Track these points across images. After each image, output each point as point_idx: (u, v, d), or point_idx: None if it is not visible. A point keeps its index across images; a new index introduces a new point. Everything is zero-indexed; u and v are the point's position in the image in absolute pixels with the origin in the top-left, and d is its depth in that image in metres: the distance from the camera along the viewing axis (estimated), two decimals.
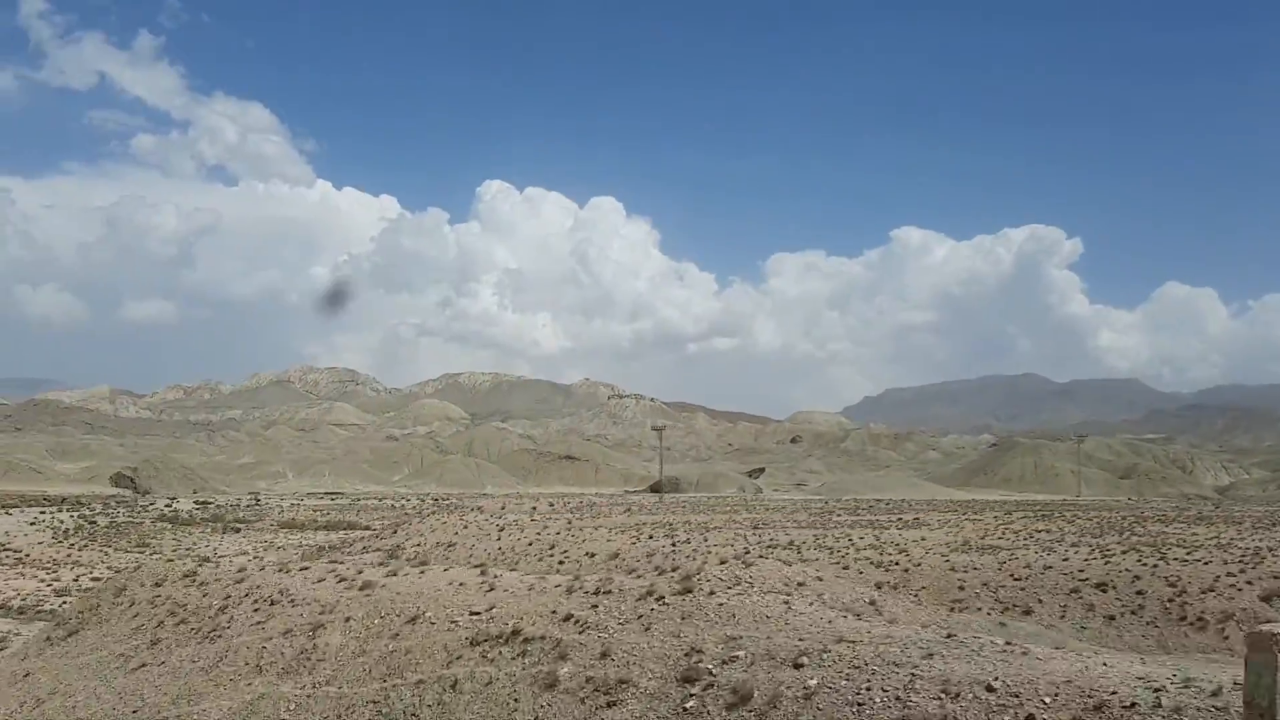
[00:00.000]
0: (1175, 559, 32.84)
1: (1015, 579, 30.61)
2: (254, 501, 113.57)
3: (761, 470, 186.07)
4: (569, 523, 53.43)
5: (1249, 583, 29.01)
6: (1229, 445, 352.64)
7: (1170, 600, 28.22)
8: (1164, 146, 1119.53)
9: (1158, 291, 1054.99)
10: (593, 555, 37.57)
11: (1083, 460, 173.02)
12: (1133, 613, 27.94)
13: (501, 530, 47.21)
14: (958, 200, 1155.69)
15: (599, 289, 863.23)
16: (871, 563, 33.61)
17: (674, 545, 38.85)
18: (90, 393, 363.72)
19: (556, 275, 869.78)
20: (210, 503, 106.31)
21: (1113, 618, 27.79)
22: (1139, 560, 32.57)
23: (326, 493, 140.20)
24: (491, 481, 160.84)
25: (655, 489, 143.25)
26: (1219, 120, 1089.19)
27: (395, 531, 52.51)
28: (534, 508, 75.67)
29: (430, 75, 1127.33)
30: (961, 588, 30.13)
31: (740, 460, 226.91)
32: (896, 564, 33.18)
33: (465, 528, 48.59)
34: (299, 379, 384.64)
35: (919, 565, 32.75)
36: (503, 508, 72.61)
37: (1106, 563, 32.14)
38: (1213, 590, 28.58)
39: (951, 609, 27.70)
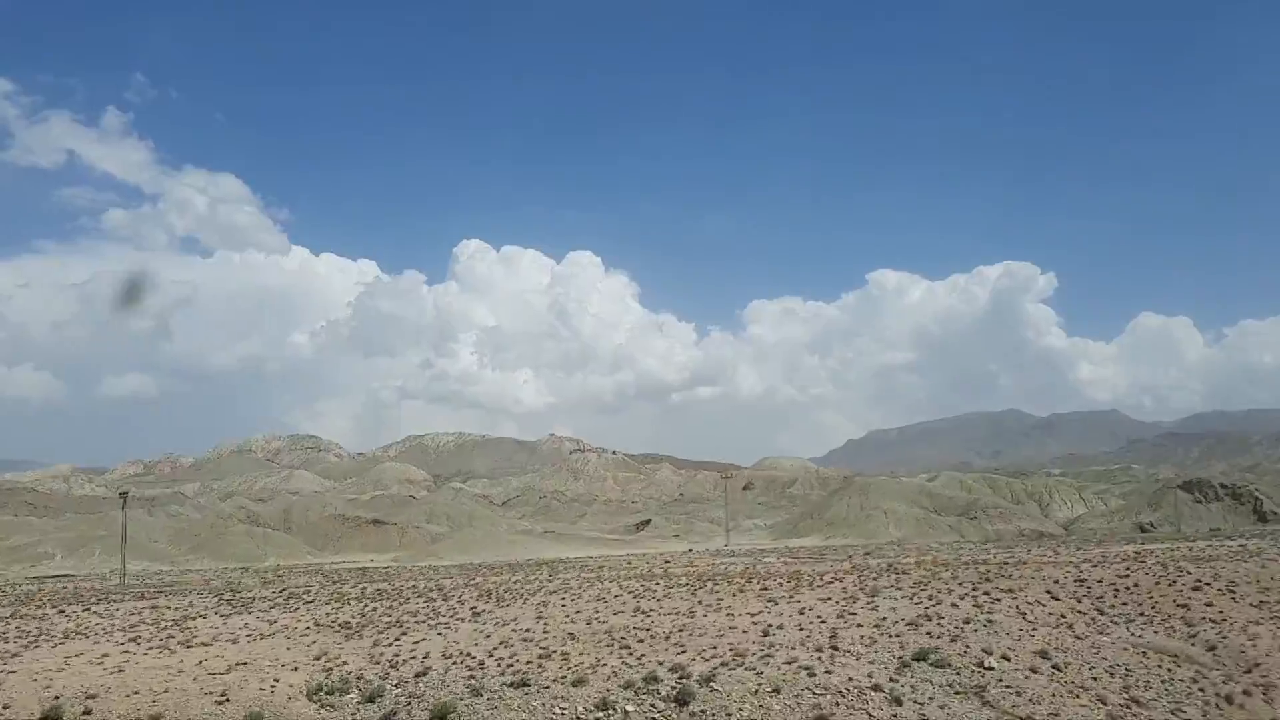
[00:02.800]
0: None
1: None
2: None
3: (647, 522, 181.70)
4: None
5: None
6: (1200, 471, 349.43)
7: None
8: (1132, 180, 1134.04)
9: (1133, 322, 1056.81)
10: None
11: (923, 497, 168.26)
12: None
13: None
14: (932, 241, 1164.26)
15: (579, 343, 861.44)
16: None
17: None
18: (48, 472, 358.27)
19: (536, 331, 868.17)
20: None
21: None
22: None
23: (54, 575, 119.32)
24: (277, 552, 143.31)
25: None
26: (1186, 152, 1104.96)
27: None
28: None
29: (404, 138, 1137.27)
30: None
31: (680, 509, 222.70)
32: None
33: None
34: (261, 448, 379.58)
35: None
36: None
37: None
38: None
39: None
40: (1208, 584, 39.77)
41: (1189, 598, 37.92)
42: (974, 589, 39.72)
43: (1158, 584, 40.16)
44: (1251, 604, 37.27)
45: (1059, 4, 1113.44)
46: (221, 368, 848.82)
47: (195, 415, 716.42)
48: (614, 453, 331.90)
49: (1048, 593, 38.85)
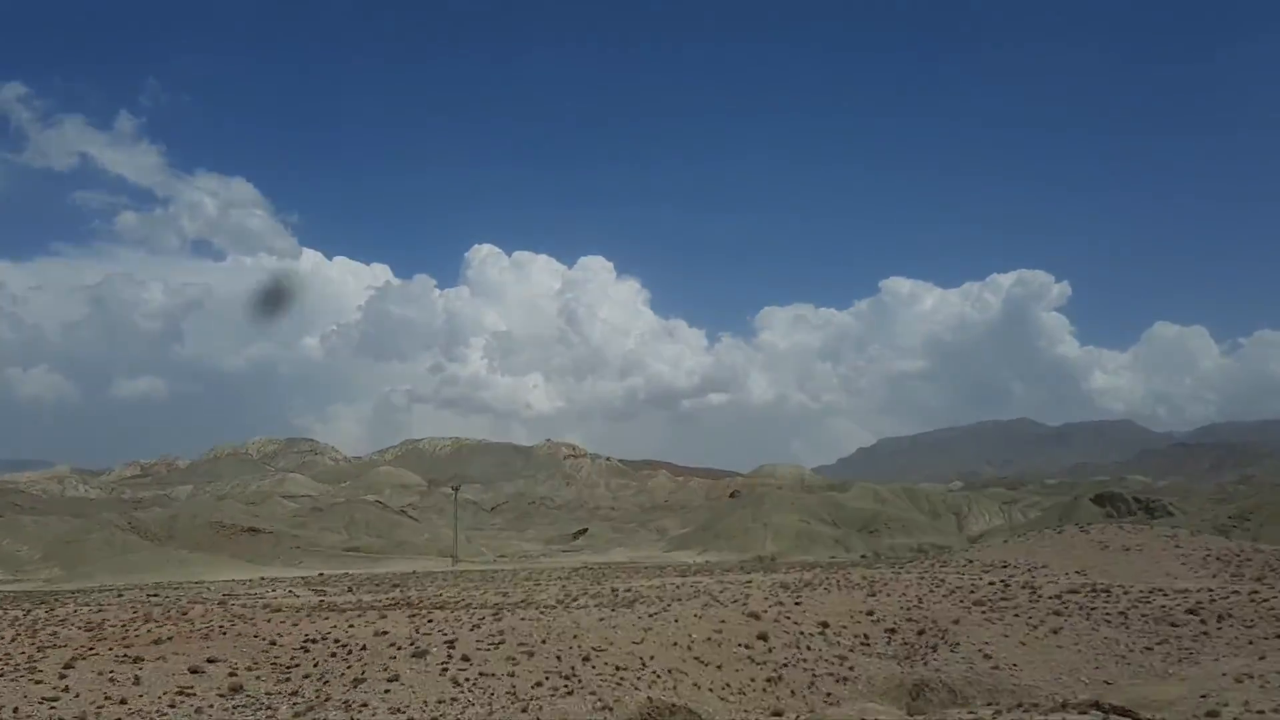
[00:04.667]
0: None
1: None
2: None
3: (584, 531, 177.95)
4: None
5: None
6: (1212, 483, 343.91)
7: None
8: (1148, 188, 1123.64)
9: (1148, 332, 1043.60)
10: None
11: (826, 509, 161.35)
12: None
13: None
14: (945, 248, 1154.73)
15: (589, 349, 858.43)
16: None
17: None
18: (47, 473, 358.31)
19: (546, 336, 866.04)
20: None
21: None
22: None
23: None
24: (122, 563, 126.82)
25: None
26: (1202, 160, 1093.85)
27: None
28: None
29: (416, 142, 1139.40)
30: None
31: (657, 517, 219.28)
32: None
33: None
34: (257, 451, 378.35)
35: None
36: None
37: None
38: None
39: None
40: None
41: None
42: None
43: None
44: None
45: (1075, 8, 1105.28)
46: (233, 370, 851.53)
47: (206, 417, 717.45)
48: (608, 459, 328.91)
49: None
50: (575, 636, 33.01)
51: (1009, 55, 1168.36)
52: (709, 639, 34.22)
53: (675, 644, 33.42)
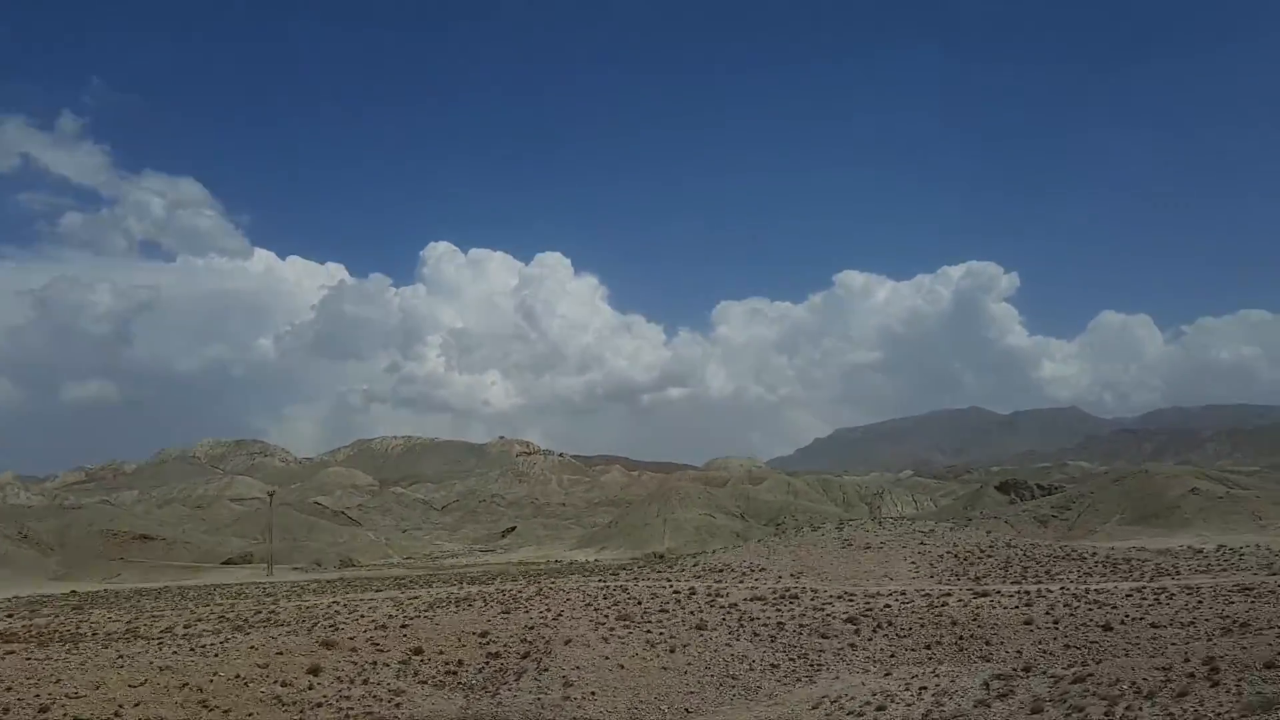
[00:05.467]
0: None
1: None
2: None
3: (512, 529, 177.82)
4: None
5: None
6: (1149, 467, 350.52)
7: None
8: (1093, 180, 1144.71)
9: (1094, 321, 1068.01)
10: None
11: (735, 502, 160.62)
12: None
13: None
14: (897, 241, 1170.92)
15: (547, 345, 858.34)
16: None
17: None
18: None
19: (503, 333, 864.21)
20: None
21: None
22: None
23: None
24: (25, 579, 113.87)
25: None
26: (1144, 152, 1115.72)
27: None
28: None
29: (370, 139, 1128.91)
30: None
31: (599, 513, 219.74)
32: None
33: None
34: (205, 454, 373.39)
35: None
36: None
37: None
38: None
39: None
40: None
41: None
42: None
43: None
44: None
45: (1020, 5, 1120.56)
46: (186, 373, 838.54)
47: (158, 421, 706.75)
48: (560, 455, 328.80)
49: None
50: (58, 681, 28.98)
51: (956, 54, 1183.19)
52: (238, 677, 30.59)
53: (186, 685, 29.71)
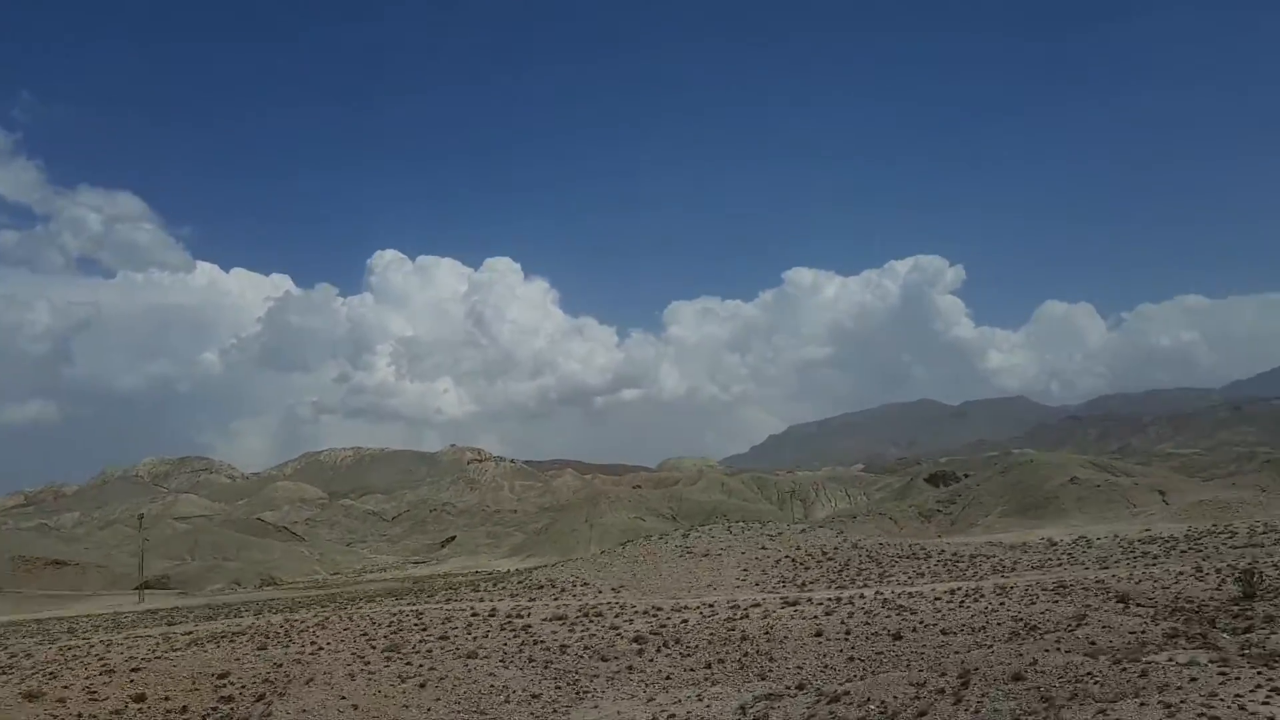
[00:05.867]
0: None
1: None
2: None
3: (452, 539, 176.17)
4: None
5: None
6: (1097, 452, 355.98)
7: None
8: (1032, 172, 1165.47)
9: (1038, 310, 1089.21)
10: None
11: (668, 504, 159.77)
12: None
13: None
14: (844, 238, 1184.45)
15: (499, 350, 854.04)
16: None
17: None
18: None
19: (454, 340, 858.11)
20: None
21: None
22: None
23: None
24: None
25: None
26: (1080, 142, 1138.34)
27: None
28: None
29: (312, 148, 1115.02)
30: None
31: (547, 520, 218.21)
32: None
33: None
34: (148, 473, 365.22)
35: None
36: None
37: None
38: None
39: None
40: None
41: None
42: None
43: None
44: None
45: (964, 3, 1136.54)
46: (129, 390, 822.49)
47: (102, 440, 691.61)
48: (512, 461, 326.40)
49: None
50: None
51: (896, 46, 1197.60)
52: None
53: None
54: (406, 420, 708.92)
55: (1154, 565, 46.54)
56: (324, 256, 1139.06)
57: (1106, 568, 47.26)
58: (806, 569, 52.72)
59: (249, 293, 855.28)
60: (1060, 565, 50.42)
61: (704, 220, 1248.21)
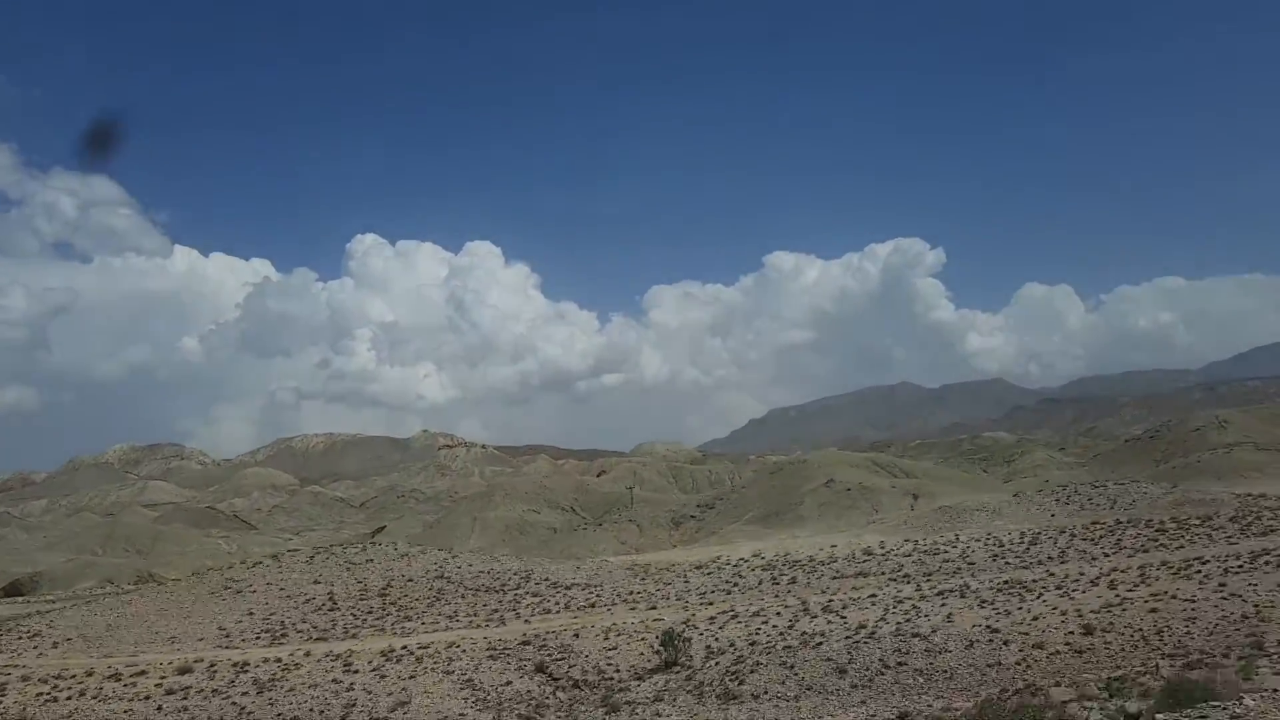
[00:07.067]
0: None
1: None
2: None
3: (382, 528, 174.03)
4: None
5: None
6: (1071, 434, 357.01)
7: None
8: (1012, 153, 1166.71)
9: (1018, 293, 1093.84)
10: None
11: (575, 496, 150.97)
12: None
13: None
14: (824, 221, 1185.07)
15: (479, 335, 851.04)
16: None
17: None
18: None
19: (434, 325, 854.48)
20: None
21: None
22: None
23: None
24: None
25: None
26: (1060, 125, 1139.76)
27: None
28: None
29: (291, 132, 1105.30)
30: None
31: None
32: None
33: None
34: (119, 459, 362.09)
35: None
36: None
37: None
38: None
39: None
40: None
41: None
42: None
43: None
44: None
45: None
46: (109, 376, 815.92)
47: (81, 427, 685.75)
48: (484, 446, 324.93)
49: None
50: None
51: (877, 35, 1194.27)
52: None
53: None
54: (388, 406, 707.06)
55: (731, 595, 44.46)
56: (304, 241, 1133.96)
57: (686, 607, 44.17)
58: (350, 607, 47.79)
59: (228, 278, 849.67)
60: (631, 601, 47.09)
61: (685, 205, 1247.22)
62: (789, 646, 32.48)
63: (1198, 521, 57.14)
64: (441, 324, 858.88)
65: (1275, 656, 22.58)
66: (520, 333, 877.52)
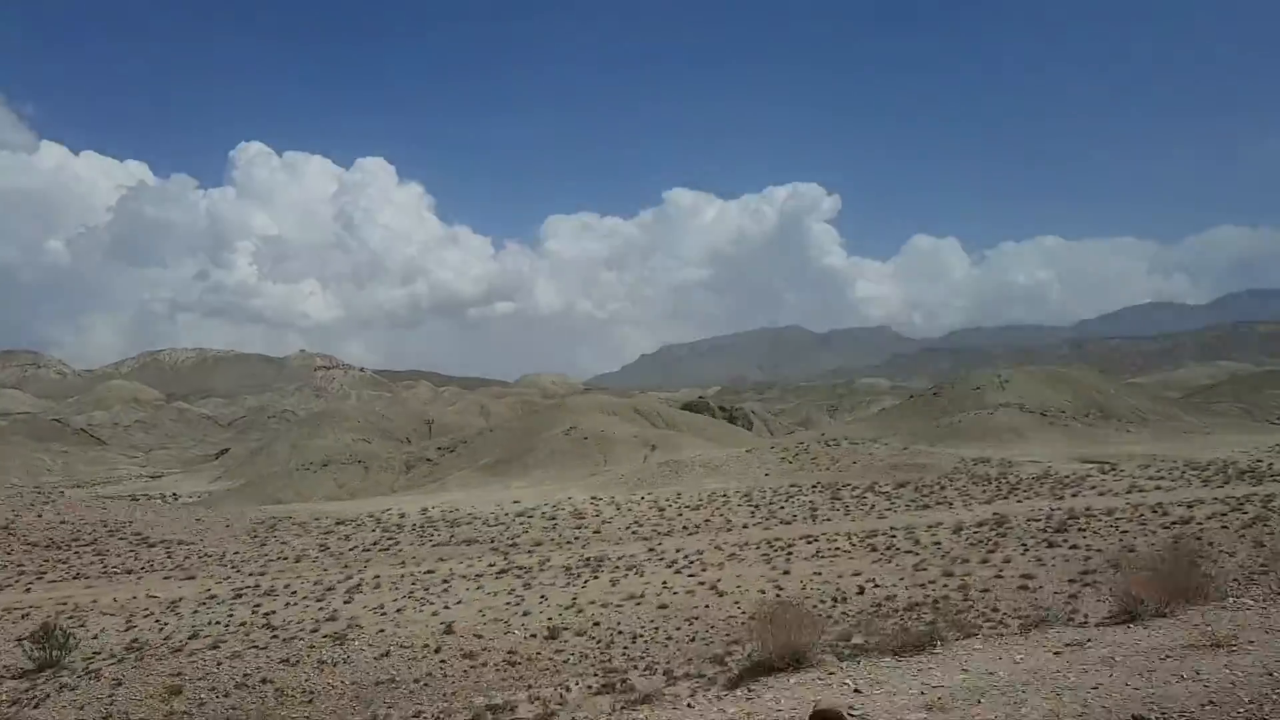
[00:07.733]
0: None
1: None
2: None
3: (226, 451, 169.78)
4: None
5: None
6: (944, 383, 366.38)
7: None
8: (912, 107, 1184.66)
9: (907, 243, 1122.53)
10: None
11: (416, 425, 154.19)
12: None
13: None
14: (724, 161, 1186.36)
15: (368, 254, 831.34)
16: None
17: None
18: None
19: (321, 242, 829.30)
20: None
21: None
22: None
23: None
24: None
25: None
26: (955, 82, 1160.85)
27: None
28: None
29: (175, 27, 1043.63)
30: None
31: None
32: None
33: None
34: None
35: None
36: None
37: None
38: None
39: None
40: None
41: None
42: None
43: None
44: None
45: None
46: None
47: None
48: (362, 370, 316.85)
49: None
50: None
51: None
52: None
53: None
54: (268, 323, 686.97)
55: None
56: (184, 145, 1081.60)
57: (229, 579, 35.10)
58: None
59: (100, 179, 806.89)
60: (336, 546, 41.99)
61: (587, 136, 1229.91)
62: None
63: (890, 487, 54.77)
64: (329, 241, 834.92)
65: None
66: (411, 254, 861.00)
